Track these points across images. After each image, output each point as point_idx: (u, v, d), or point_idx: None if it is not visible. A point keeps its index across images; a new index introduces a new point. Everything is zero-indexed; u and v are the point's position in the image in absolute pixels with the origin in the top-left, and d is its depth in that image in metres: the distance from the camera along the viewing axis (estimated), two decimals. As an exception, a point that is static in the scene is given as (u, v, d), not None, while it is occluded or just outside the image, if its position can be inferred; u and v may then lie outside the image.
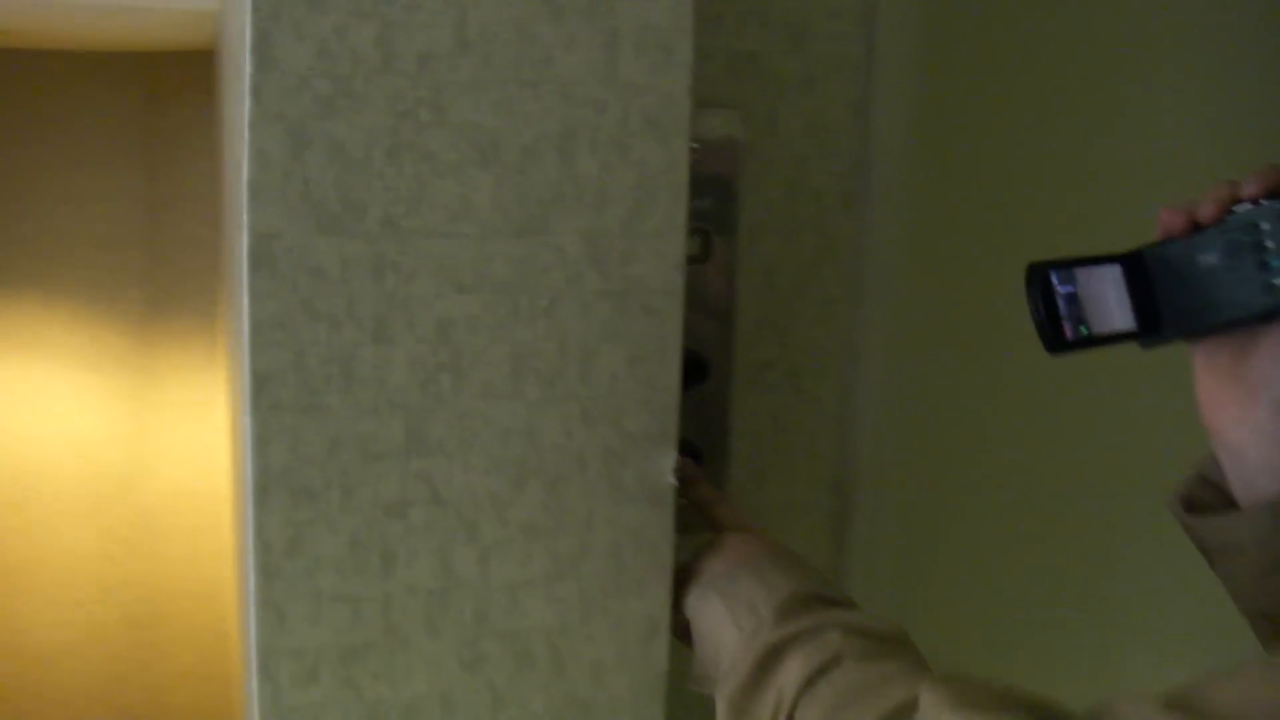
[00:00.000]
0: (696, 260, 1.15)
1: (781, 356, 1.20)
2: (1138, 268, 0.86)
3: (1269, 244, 0.80)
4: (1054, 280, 0.83)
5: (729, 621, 0.94)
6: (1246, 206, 0.81)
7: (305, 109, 0.90)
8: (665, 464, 1.01)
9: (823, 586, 0.96)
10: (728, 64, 1.15)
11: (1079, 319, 0.83)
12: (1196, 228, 0.84)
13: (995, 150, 1.21)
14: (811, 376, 1.21)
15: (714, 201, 1.15)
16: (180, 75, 1.98)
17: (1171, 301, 0.85)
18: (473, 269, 0.95)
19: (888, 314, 1.22)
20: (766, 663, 0.88)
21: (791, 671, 0.86)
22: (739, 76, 1.15)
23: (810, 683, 0.85)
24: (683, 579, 1.02)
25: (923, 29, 1.18)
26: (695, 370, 1.15)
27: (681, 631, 1.02)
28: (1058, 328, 0.83)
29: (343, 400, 0.94)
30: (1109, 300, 0.85)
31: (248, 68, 0.89)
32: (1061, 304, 0.83)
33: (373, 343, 0.94)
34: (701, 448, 1.17)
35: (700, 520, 1.07)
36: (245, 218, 0.90)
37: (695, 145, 1.13)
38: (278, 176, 0.90)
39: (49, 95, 2.02)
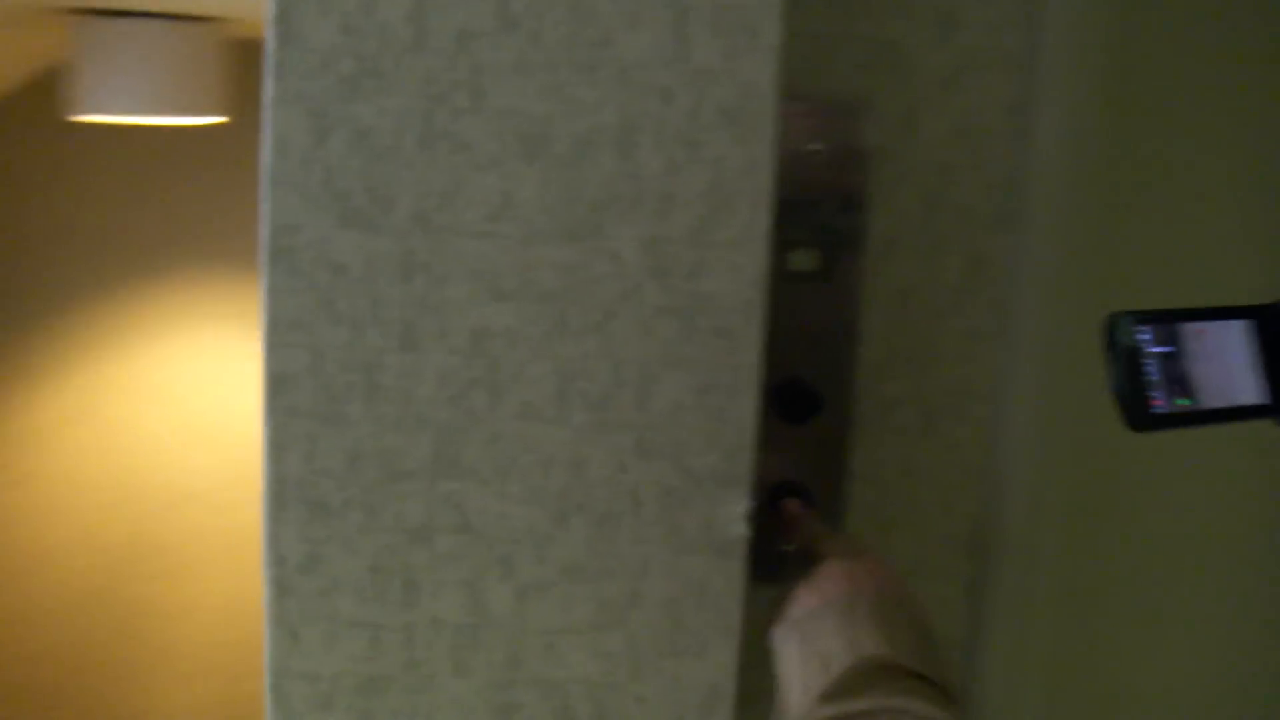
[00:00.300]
0: (814, 278, 1.01)
1: (914, 393, 1.04)
2: (1275, 325, 0.67)
3: None
4: (1142, 337, 0.66)
5: (798, 677, 0.80)
6: None
7: (329, 90, 0.82)
8: (735, 510, 0.88)
9: (914, 649, 0.80)
10: (861, 55, 1.00)
11: (1179, 388, 0.66)
12: None
13: (1176, 165, 1.02)
14: (949, 418, 1.05)
15: (838, 213, 1.01)
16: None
17: None
18: (514, 274, 0.84)
19: (1042, 350, 1.04)
20: None
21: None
22: (874, 70, 1.00)
23: None
24: (780, 608, 0.88)
25: (1094, 20, 1.00)
26: (805, 402, 1.01)
27: None
28: (1142, 398, 0.66)
29: (365, 410, 0.85)
30: (1227, 364, 0.67)
31: (269, 44, 0.81)
32: (1153, 368, 0.66)
33: (399, 350, 0.84)
34: (813, 491, 1.02)
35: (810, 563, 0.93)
36: (265, 207, 0.83)
37: (817, 148, 1.00)
38: (298, 164, 0.83)
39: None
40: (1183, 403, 0.66)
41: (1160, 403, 0.65)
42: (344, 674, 0.87)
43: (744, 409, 0.87)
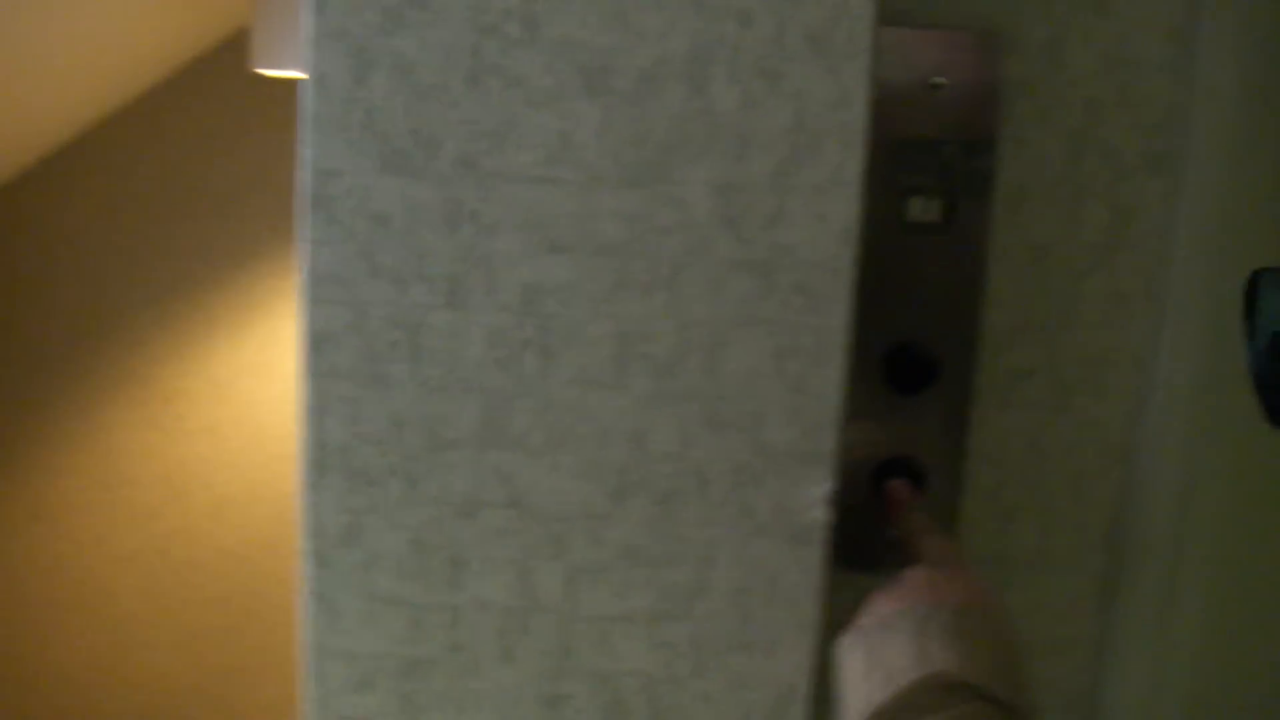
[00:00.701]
0: (935, 230, 0.89)
1: (1047, 363, 0.91)
2: None
3: None
4: None
5: (860, 690, 0.71)
6: None
7: (371, 23, 0.74)
8: (815, 491, 0.78)
9: (993, 671, 0.70)
10: (994, -24, 0.87)
11: None
12: None
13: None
14: (1087, 392, 0.92)
15: (964, 156, 0.88)
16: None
17: None
18: (570, 224, 0.76)
19: (1198, 317, 0.90)
20: None
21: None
22: (1009, -8, 0.87)
23: None
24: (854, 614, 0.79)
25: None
26: (920, 369, 0.89)
27: None
28: None
29: (410, 373, 0.78)
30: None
31: (304, -30, 0.74)
32: None
33: (445, 307, 0.77)
34: (926, 469, 0.91)
35: (907, 558, 0.83)
36: (306, 152, 0.76)
37: (941, 81, 0.88)
38: (339, 104, 0.75)
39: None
40: None
41: None
42: (385, 655, 0.80)
43: (828, 378, 0.77)
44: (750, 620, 0.79)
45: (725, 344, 0.77)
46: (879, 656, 0.71)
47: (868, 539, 0.89)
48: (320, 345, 0.78)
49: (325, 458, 0.79)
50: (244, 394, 2.61)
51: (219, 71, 2.45)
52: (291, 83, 2.18)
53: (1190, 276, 0.90)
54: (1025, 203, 0.90)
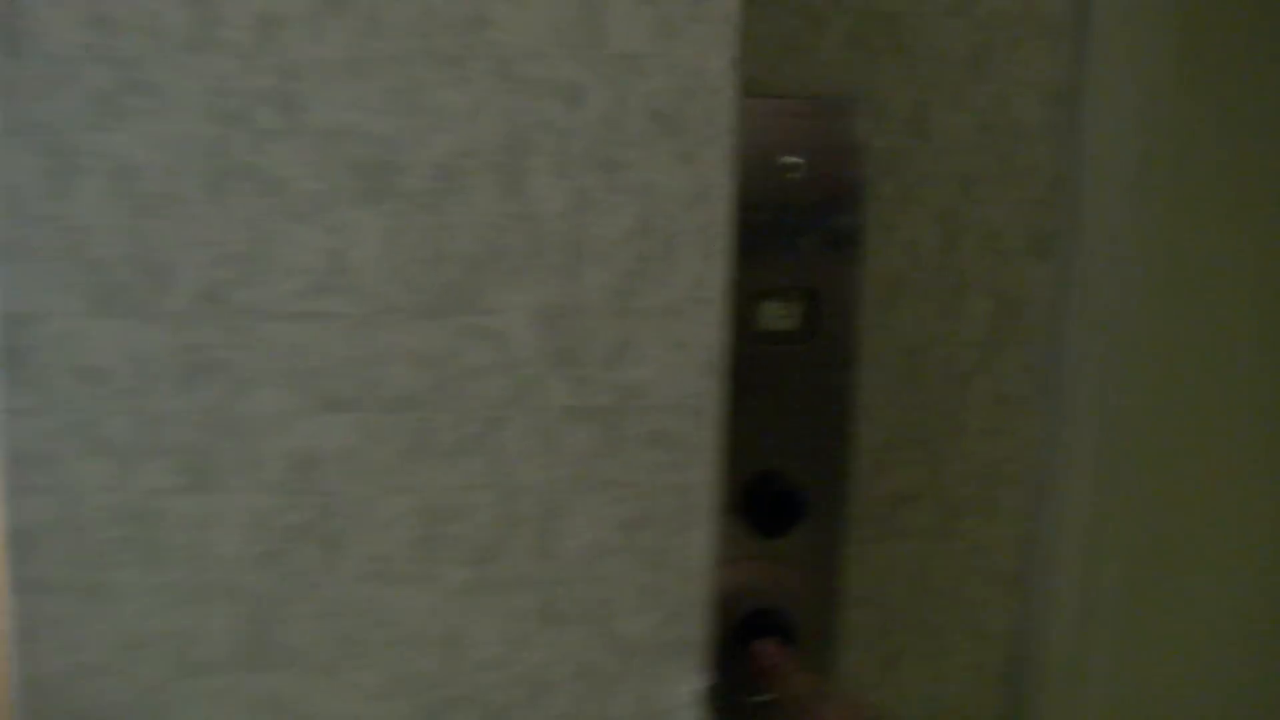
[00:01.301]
0: (793, 339, 0.74)
1: (927, 484, 0.78)
2: None
3: None
4: None
5: None
6: None
7: (75, 113, 0.54)
8: (684, 690, 0.61)
9: None
10: (847, 33, 0.73)
11: None
12: None
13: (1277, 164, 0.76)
14: (973, 514, 0.78)
15: (825, 248, 0.74)
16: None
17: None
18: (351, 372, 0.57)
19: (1095, 420, 0.78)
20: None
21: None
22: (868, 51, 0.73)
23: None
24: None
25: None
26: (783, 506, 0.74)
27: None
28: None
29: (144, 579, 0.58)
30: None
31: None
32: None
33: (189, 490, 0.57)
34: (797, 621, 0.76)
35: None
36: (-19, 287, 0.55)
37: (794, 161, 0.73)
38: (34, 224, 0.55)
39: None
40: None
41: None
42: None
43: (693, 548, 0.61)
44: None
45: (562, 514, 0.59)
46: None
47: (735, 709, 0.74)
48: (23, 548, 0.57)
49: (39, 698, 0.58)
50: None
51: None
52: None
53: (1084, 373, 0.78)
54: (896, 299, 0.76)
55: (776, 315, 0.73)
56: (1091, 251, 0.76)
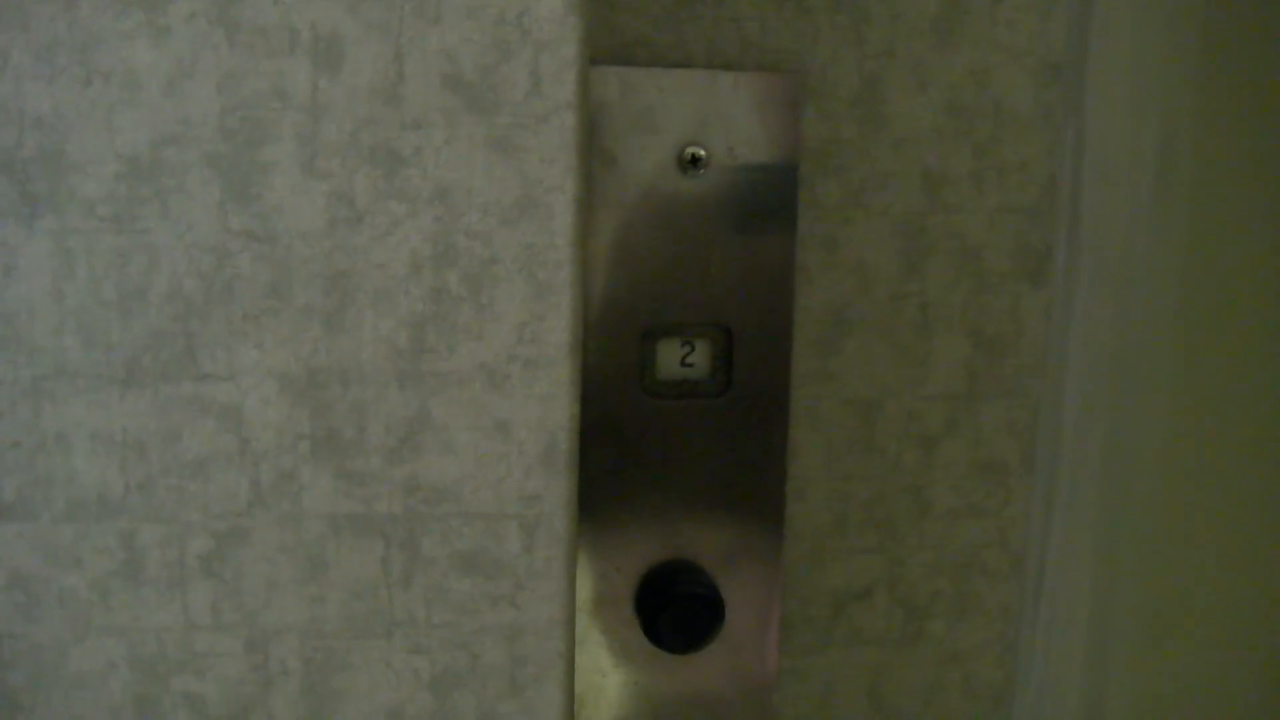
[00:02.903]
0: (702, 391, 0.56)
1: (888, 579, 0.59)
2: None
3: None
4: None
5: None
6: None
7: None
8: None
9: None
10: (775, -18, 0.55)
11: None
12: None
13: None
14: (945, 613, 0.60)
15: (739, 271, 0.55)
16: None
17: None
18: (15, 467, 0.38)
19: (1107, 497, 0.59)
20: None
21: None
22: (801, 8, 0.55)
23: None
24: None
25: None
26: (696, 615, 0.55)
27: None
28: None
29: None
30: None
31: None
32: None
33: None
34: (713, 761, 0.57)
35: None
36: None
37: (699, 153, 0.54)
38: None
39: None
40: None
41: None
42: None
43: (540, 711, 0.42)
44: None
45: (336, 669, 0.41)
46: None
47: None
48: None
49: None
50: None
51: None
52: None
53: (1085, 432, 0.59)
54: (841, 339, 0.57)
55: (680, 360, 0.55)
56: (1097, 275, 0.57)
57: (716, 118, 0.53)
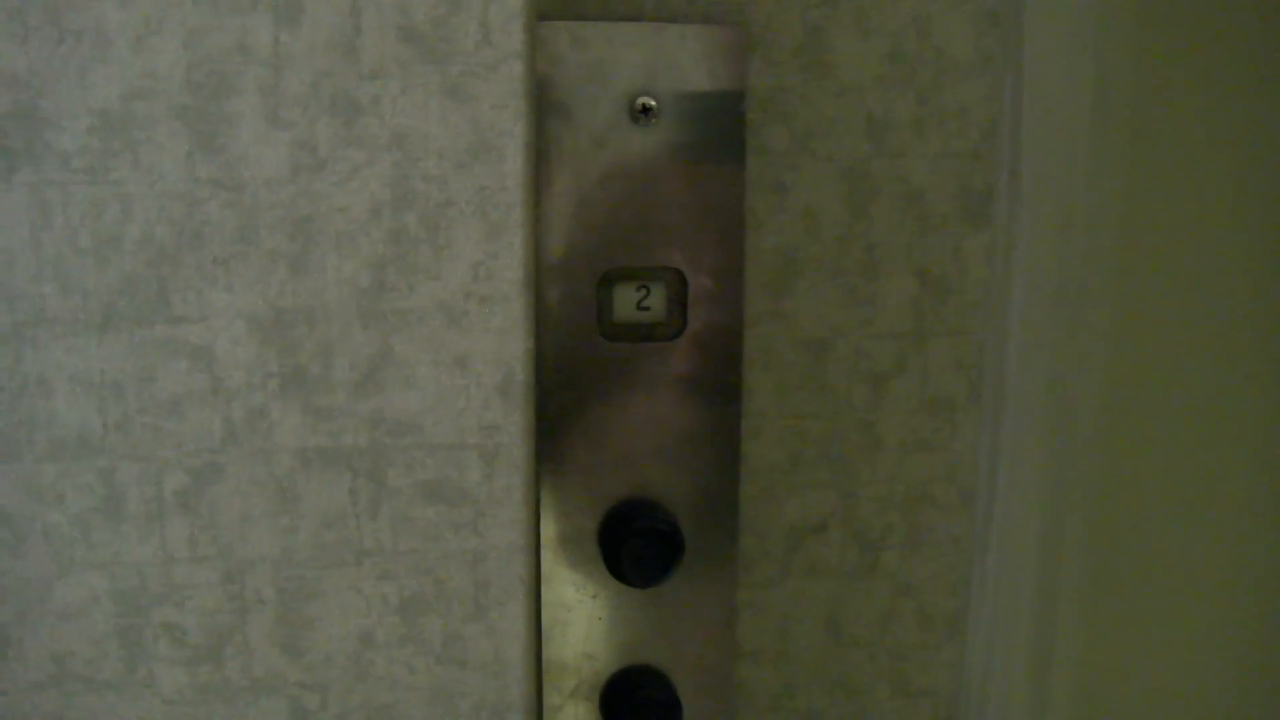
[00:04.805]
0: (656, 334, 0.58)
1: (842, 513, 0.62)
2: None
3: None
4: None
5: None
6: None
7: None
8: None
9: None
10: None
11: None
12: None
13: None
14: (902, 548, 0.62)
15: (690, 217, 0.57)
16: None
17: None
18: (-7, 408, 0.40)
19: (1053, 431, 0.62)
20: None
21: None
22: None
23: None
24: None
25: None
26: (655, 551, 0.58)
27: None
28: None
29: None
30: None
31: None
32: None
33: None
34: (679, 685, 0.60)
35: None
36: None
37: (649, 103, 0.57)
38: None
39: None
40: None
41: None
42: None
43: (504, 632, 0.44)
44: None
45: (308, 597, 0.43)
46: None
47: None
48: None
49: None
50: None
51: None
52: None
53: (1030, 368, 0.62)
54: (791, 281, 0.59)
55: (634, 304, 0.57)
56: (1037, 216, 0.60)
57: (665, 69, 0.56)
